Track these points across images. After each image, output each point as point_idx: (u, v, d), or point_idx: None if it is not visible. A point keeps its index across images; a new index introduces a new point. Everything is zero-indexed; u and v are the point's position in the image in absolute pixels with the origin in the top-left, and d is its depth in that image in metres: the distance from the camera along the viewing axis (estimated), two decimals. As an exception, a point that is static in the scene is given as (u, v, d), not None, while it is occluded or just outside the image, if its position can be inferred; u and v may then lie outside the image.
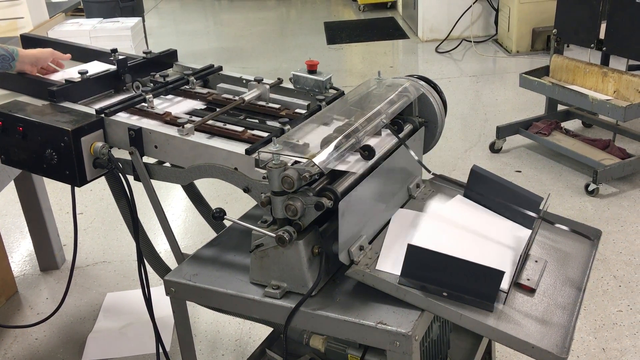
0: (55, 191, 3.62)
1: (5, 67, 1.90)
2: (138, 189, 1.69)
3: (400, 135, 1.64)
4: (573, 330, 1.30)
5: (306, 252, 1.38)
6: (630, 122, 3.84)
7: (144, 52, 2.09)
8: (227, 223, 1.87)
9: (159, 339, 1.83)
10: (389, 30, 7.52)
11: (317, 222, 1.40)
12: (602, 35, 3.58)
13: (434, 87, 1.78)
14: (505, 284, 1.34)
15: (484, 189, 1.66)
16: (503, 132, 4.04)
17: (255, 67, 6.34)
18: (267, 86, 1.91)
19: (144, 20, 5.52)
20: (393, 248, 1.46)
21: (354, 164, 1.45)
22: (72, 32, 4.52)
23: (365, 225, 1.47)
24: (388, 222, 1.57)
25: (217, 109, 1.80)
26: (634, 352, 2.36)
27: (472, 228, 1.57)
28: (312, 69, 1.88)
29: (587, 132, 4.23)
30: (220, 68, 2.08)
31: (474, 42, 6.46)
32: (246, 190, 1.48)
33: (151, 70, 2.02)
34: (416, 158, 1.63)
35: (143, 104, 1.79)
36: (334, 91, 1.88)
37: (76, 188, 1.76)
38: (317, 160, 1.33)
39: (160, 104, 1.87)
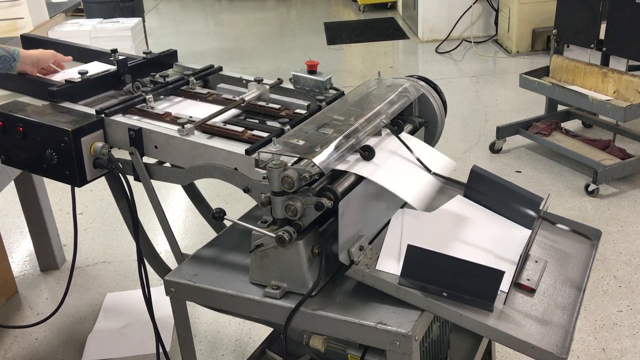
0: (55, 191, 3.62)
1: (6, 67, 1.90)
2: (138, 189, 1.69)
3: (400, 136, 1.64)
4: (573, 330, 1.30)
5: (306, 252, 1.38)
6: (630, 123, 3.84)
7: (144, 53, 2.09)
8: (227, 223, 1.87)
9: (159, 339, 1.83)
10: (389, 31, 7.52)
11: (317, 222, 1.40)
12: (602, 36, 3.58)
13: (434, 87, 1.78)
14: (505, 284, 1.34)
15: (484, 189, 1.66)
16: (503, 132, 4.04)
17: (255, 67, 6.35)
18: (267, 86, 1.91)
19: (144, 21, 5.52)
20: (393, 248, 1.46)
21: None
22: (72, 33, 4.53)
23: (365, 226, 1.47)
24: (388, 222, 1.57)
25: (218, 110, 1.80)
26: (634, 352, 2.36)
27: (472, 228, 1.57)
28: (312, 69, 1.88)
29: (587, 133, 4.23)
30: (220, 68, 2.08)
31: (474, 42, 6.46)
32: (246, 190, 1.48)
33: (151, 71, 2.03)
34: (416, 158, 1.63)
35: (143, 104, 1.79)
36: (334, 91, 1.88)
37: (76, 188, 1.76)
38: (317, 160, 1.33)
39: (161, 104, 1.87)
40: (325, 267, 1.41)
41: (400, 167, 1.53)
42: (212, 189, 3.65)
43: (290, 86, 1.92)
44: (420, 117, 1.76)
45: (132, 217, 1.73)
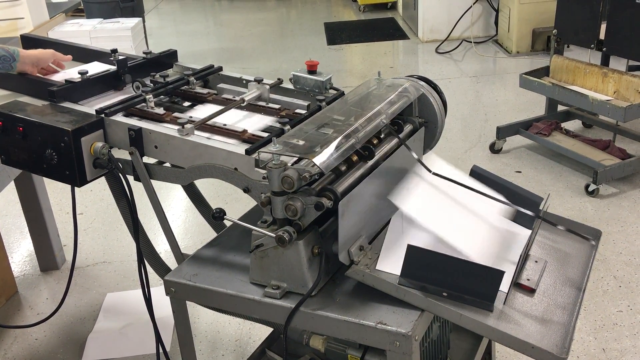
0: (55, 191, 3.62)
1: (6, 67, 1.90)
2: (138, 189, 1.69)
3: (401, 136, 1.64)
4: (573, 330, 1.30)
5: (306, 252, 1.38)
6: (631, 123, 3.84)
7: (144, 53, 2.09)
8: (227, 223, 1.87)
9: (159, 339, 1.83)
10: (389, 31, 7.52)
11: (317, 222, 1.40)
12: (602, 36, 3.58)
13: (434, 87, 1.78)
14: (505, 284, 1.34)
15: (483, 190, 1.66)
16: (503, 132, 4.04)
17: (256, 67, 6.35)
18: (267, 86, 1.91)
19: (144, 21, 5.52)
20: (393, 248, 1.46)
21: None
22: (73, 33, 4.52)
23: (365, 226, 1.47)
24: (388, 222, 1.57)
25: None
26: (634, 353, 2.36)
27: (472, 225, 1.56)
28: (312, 70, 1.88)
29: (587, 133, 4.23)
30: (220, 68, 2.08)
31: (474, 42, 6.47)
32: (246, 190, 1.48)
33: (151, 71, 2.03)
34: (416, 158, 1.63)
35: (143, 104, 1.79)
36: (334, 91, 1.88)
37: (76, 188, 1.76)
38: (317, 160, 1.33)
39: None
40: (325, 267, 1.41)
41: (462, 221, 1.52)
42: (212, 189, 3.65)
43: (290, 86, 1.92)
44: (420, 117, 1.75)
45: (132, 217, 1.73)
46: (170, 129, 1.63)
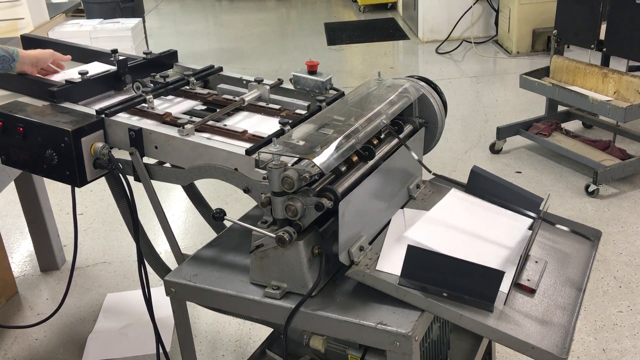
0: (55, 192, 3.62)
1: (5, 68, 1.90)
2: (138, 190, 1.69)
3: (401, 136, 1.64)
4: (573, 330, 1.30)
5: (306, 252, 1.38)
6: (631, 123, 3.84)
7: (144, 53, 2.09)
8: (227, 223, 1.87)
9: (159, 340, 1.83)
10: (389, 31, 7.52)
11: (317, 222, 1.40)
12: (602, 36, 3.58)
13: (434, 87, 1.78)
14: (505, 285, 1.34)
15: (484, 190, 1.66)
16: (503, 132, 4.04)
17: (256, 67, 6.35)
18: (268, 87, 1.91)
19: (144, 21, 5.52)
20: (393, 248, 1.46)
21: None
22: (73, 33, 4.53)
23: (365, 226, 1.47)
24: (388, 223, 1.57)
25: (218, 110, 1.80)
26: (634, 353, 2.36)
27: (472, 226, 1.56)
28: (312, 70, 1.88)
29: (588, 133, 4.23)
30: (221, 69, 2.08)
31: (474, 43, 6.47)
32: (246, 190, 1.48)
33: (151, 71, 2.03)
34: (416, 158, 1.63)
35: (143, 104, 1.79)
36: (334, 92, 1.88)
37: (76, 188, 1.76)
38: (317, 160, 1.33)
39: (161, 105, 1.87)
40: (325, 267, 1.41)
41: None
42: (212, 190, 3.65)
43: (291, 86, 1.92)
44: (420, 118, 1.75)
45: (132, 217, 1.73)
46: (170, 130, 1.63)
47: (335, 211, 1.33)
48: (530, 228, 1.57)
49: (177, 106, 1.88)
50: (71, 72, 2.03)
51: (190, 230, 3.41)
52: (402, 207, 1.65)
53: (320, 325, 1.38)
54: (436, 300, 1.31)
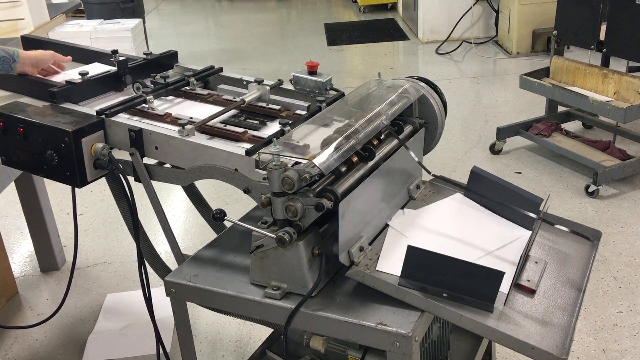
0: (55, 192, 3.62)
1: (6, 68, 1.90)
2: (138, 190, 1.69)
3: (401, 137, 1.64)
4: (573, 331, 1.30)
5: (306, 253, 1.39)
6: (631, 124, 3.84)
7: (144, 54, 2.09)
8: (227, 224, 1.87)
9: (159, 340, 1.83)
10: (389, 32, 7.52)
11: (318, 223, 1.40)
12: (602, 37, 3.58)
13: (434, 88, 1.79)
14: (505, 285, 1.34)
15: (484, 190, 1.66)
16: (503, 133, 4.04)
17: (256, 68, 6.35)
18: (268, 87, 1.91)
19: (144, 22, 5.52)
20: (393, 249, 1.46)
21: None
22: (73, 34, 4.53)
23: (365, 226, 1.47)
24: (388, 223, 1.57)
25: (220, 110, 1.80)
26: (634, 354, 2.36)
27: (472, 228, 1.57)
28: (312, 70, 1.88)
29: (588, 134, 4.23)
30: (221, 69, 2.08)
31: (474, 43, 6.47)
32: (246, 191, 1.48)
33: (152, 72, 2.03)
34: (416, 159, 1.63)
35: (143, 105, 1.79)
36: (334, 92, 1.88)
37: (76, 189, 1.76)
38: (317, 161, 1.33)
39: (161, 105, 1.87)
40: (325, 267, 1.41)
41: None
42: (212, 190, 3.65)
43: (291, 87, 1.92)
44: (420, 118, 1.76)
45: (133, 217, 1.74)
46: (170, 130, 1.63)
47: (335, 212, 1.33)
48: (530, 229, 1.57)
49: (178, 108, 1.88)
50: (71, 73, 2.03)
51: (191, 231, 3.42)
52: (402, 208, 1.65)
53: (321, 326, 1.38)
54: (436, 301, 1.31)
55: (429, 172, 1.68)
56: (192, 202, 2.11)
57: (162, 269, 1.87)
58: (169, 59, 2.13)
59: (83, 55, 2.21)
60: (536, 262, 1.49)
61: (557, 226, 1.66)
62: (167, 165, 1.69)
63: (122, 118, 1.72)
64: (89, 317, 2.76)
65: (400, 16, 8.18)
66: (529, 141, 4.08)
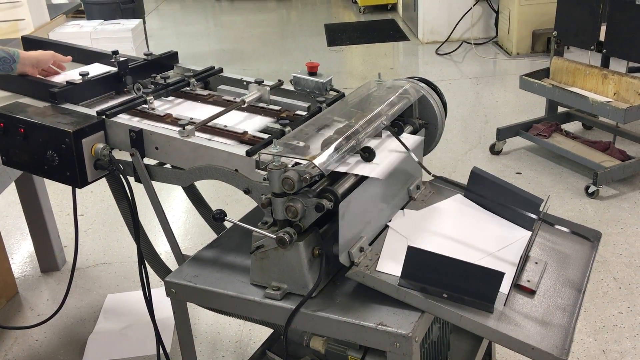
0: (56, 192, 3.62)
1: (6, 69, 1.90)
2: (139, 191, 1.69)
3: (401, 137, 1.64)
4: (573, 331, 1.30)
5: (306, 253, 1.39)
6: (631, 124, 3.84)
7: (144, 54, 2.09)
8: (227, 224, 1.87)
9: (159, 340, 1.83)
10: (389, 32, 7.53)
11: (318, 223, 1.40)
12: (602, 37, 3.58)
13: (434, 88, 1.79)
14: (505, 286, 1.34)
15: (484, 191, 1.66)
16: (503, 134, 4.05)
17: (256, 68, 6.35)
18: (268, 88, 1.91)
19: (144, 22, 5.52)
20: (393, 249, 1.46)
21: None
22: (73, 34, 4.53)
23: (365, 227, 1.47)
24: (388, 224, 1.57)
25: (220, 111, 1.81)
26: (634, 354, 2.36)
27: (472, 229, 1.57)
28: (312, 71, 1.88)
29: (587, 134, 4.23)
30: (221, 70, 2.08)
31: (474, 44, 6.47)
32: (247, 191, 1.48)
33: (152, 72, 2.03)
34: (416, 160, 1.63)
35: (144, 105, 1.79)
36: (335, 93, 1.88)
37: (77, 189, 1.76)
38: (317, 161, 1.33)
39: (161, 106, 1.87)
40: (325, 268, 1.41)
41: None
42: (212, 191, 3.65)
43: (291, 88, 1.92)
44: (420, 119, 1.76)
45: (133, 218, 1.74)
46: (171, 131, 1.63)
47: (336, 212, 1.33)
48: (530, 230, 1.57)
49: (179, 109, 1.88)
50: (72, 74, 2.03)
51: (191, 231, 3.42)
52: (402, 208, 1.65)
53: (321, 326, 1.38)
54: (436, 301, 1.31)
55: (429, 173, 1.68)
56: (192, 202, 2.11)
57: (163, 270, 1.87)
58: (169, 59, 2.13)
59: (83, 55, 2.22)
60: (536, 263, 1.50)
61: (557, 227, 1.66)
62: (168, 165, 1.69)
63: (123, 119, 1.72)
64: (89, 318, 2.76)
65: (400, 17, 8.19)
66: (529, 142, 4.08)
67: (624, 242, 3.05)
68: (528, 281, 1.42)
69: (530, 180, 3.74)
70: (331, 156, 1.38)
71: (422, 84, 1.78)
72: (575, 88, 3.70)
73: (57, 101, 1.77)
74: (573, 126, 4.28)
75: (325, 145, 1.41)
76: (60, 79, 2.00)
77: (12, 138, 1.69)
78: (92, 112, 1.72)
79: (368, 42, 7.17)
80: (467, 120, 4.69)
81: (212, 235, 1.87)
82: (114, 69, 1.97)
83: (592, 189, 3.45)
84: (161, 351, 1.85)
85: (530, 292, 1.40)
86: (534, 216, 1.58)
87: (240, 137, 1.63)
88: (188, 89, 1.97)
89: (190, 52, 7.13)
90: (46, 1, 4.42)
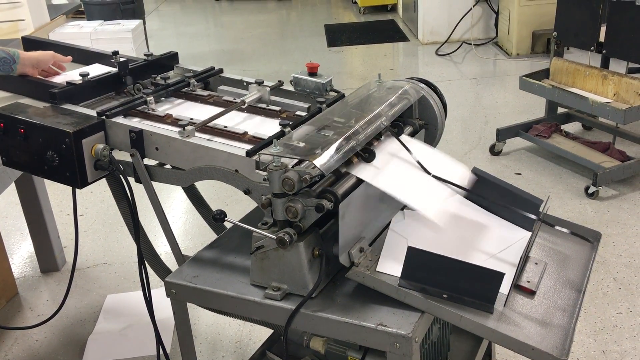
0: (55, 193, 3.62)
1: (6, 69, 1.90)
2: (139, 191, 1.69)
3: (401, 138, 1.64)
4: (573, 332, 1.30)
5: (307, 253, 1.39)
6: (630, 125, 3.84)
7: (144, 55, 2.09)
8: (227, 225, 1.87)
9: (159, 341, 1.83)
10: (389, 33, 7.53)
11: (318, 224, 1.40)
12: (602, 38, 3.58)
13: (434, 89, 1.79)
14: (505, 286, 1.34)
15: (483, 191, 1.66)
16: (503, 134, 4.05)
17: (256, 69, 6.35)
18: (268, 88, 1.91)
19: (144, 23, 5.52)
20: (393, 250, 1.46)
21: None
22: (73, 35, 4.53)
23: (365, 227, 1.47)
24: (388, 224, 1.57)
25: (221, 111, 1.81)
26: (634, 355, 2.36)
27: (472, 229, 1.57)
28: (312, 72, 1.88)
29: (587, 135, 4.23)
30: (221, 70, 2.09)
31: (474, 44, 6.47)
32: (247, 192, 1.48)
33: (152, 73, 2.03)
34: (416, 160, 1.63)
35: (144, 106, 1.79)
36: (335, 93, 1.88)
37: (77, 190, 1.76)
38: (317, 162, 1.33)
39: (162, 107, 1.87)
40: (325, 268, 1.41)
41: (402, 170, 1.53)
42: (212, 191, 3.65)
43: (291, 88, 1.92)
44: (420, 119, 1.76)
45: (133, 218, 1.74)
46: (171, 131, 1.63)
47: (336, 212, 1.33)
48: (530, 230, 1.57)
49: (179, 109, 1.89)
50: (72, 74, 2.04)
51: (191, 232, 3.42)
52: (402, 209, 1.65)
53: (321, 327, 1.38)
54: (436, 302, 1.31)
55: (429, 173, 1.67)
56: (192, 203, 2.11)
57: (163, 270, 1.87)
58: (170, 60, 2.14)
59: (83, 56, 2.22)
60: (536, 264, 1.50)
61: (557, 227, 1.66)
62: (168, 166, 1.69)
63: (123, 119, 1.72)
64: (89, 318, 2.76)
65: (400, 17, 8.19)
66: (529, 142, 4.08)
67: (624, 242, 3.05)
68: (528, 282, 1.42)
69: (530, 180, 3.74)
70: (331, 157, 1.38)
71: (422, 85, 1.78)
72: (575, 89, 3.70)
73: (57, 102, 1.77)
74: (573, 127, 4.28)
75: (325, 145, 1.41)
76: (60, 79, 2.00)
77: (12, 138, 1.69)
78: (92, 112, 1.72)
79: (368, 42, 7.17)
80: (467, 120, 4.69)
81: (212, 236, 1.87)
82: (114, 70, 1.97)
83: (592, 189, 3.45)
84: (161, 351, 1.85)
85: (530, 293, 1.40)
86: (533, 217, 1.58)
87: (240, 138, 1.63)
88: (188, 89, 1.97)
89: (190, 52, 7.13)
90: (46, 2, 4.42)
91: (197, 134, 1.62)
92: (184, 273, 1.57)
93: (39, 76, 2.00)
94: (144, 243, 1.82)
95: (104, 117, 1.69)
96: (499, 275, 1.29)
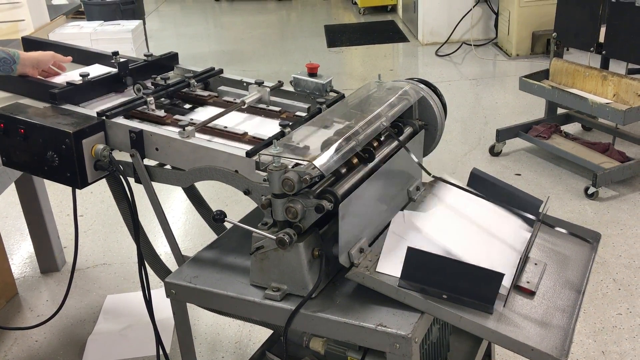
0: (55, 193, 3.62)
1: (6, 70, 1.91)
2: (139, 191, 1.70)
3: (400, 138, 1.65)
4: (572, 333, 1.31)
5: (306, 254, 1.39)
6: (630, 126, 3.85)
7: (144, 55, 2.09)
8: (227, 225, 1.88)
9: (159, 341, 1.83)
10: (389, 34, 7.53)
11: (318, 224, 1.40)
12: (601, 39, 3.59)
13: (434, 90, 1.79)
14: (504, 287, 1.34)
15: (483, 192, 1.66)
16: (503, 135, 4.05)
17: (256, 69, 6.35)
18: (268, 89, 1.91)
19: (144, 23, 5.52)
20: (393, 250, 1.46)
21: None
22: (73, 35, 4.54)
23: (365, 228, 1.47)
24: (388, 225, 1.58)
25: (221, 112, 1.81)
26: (634, 355, 2.36)
27: (472, 229, 1.57)
28: (312, 72, 1.88)
29: (587, 136, 4.23)
30: (221, 71, 2.09)
31: (474, 45, 6.47)
32: (247, 192, 1.48)
33: (152, 73, 2.03)
34: (416, 161, 1.63)
35: (144, 106, 1.79)
36: (334, 94, 1.88)
37: (77, 190, 1.76)
38: (317, 162, 1.33)
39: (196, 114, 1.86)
40: (325, 269, 1.41)
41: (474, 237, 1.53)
42: (212, 191, 3.65)
43: (291, 89, 1.92)
44: (420, 120, 1.76)
45: (133, 219, 1.74)
46: (171, 132, 1.63)
47: (336, 213, 1.33)
48: (530, 227, 1.58)
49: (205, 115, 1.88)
50: (72, 74, 2.04)
51: (191, 232, 3.42)
52: (401, 209, 1.65)
53: (320, 327, 1.38)
54: (436, 302, 1.31)
55: (429, 174, 1.68)
56: (192, 203, 2.11)
57: (162, 270, 1.87)
58: (170, 60, 2.14)
59: (83, 56, 2.22)
60: (536, 264, 1.50)
61: (557, 228, 1.66)
62: (168, 166, 1.69)
63: (123, 119, 1.72)
64: (89, 319, 2.76)
65: (400, 18, 8.19)
66: (529, 143, 4.08)
67: (624, 243, 3.05)
68: (527, 282, 1.42)
69: (529, 181, 3.74)
70: (331, 157, 1.38)
71: (422, 85, 1.78)
72: (574, 89, 3.71)
73: (57, 102, 1.77)
74: (572, 127, 4.29)
75: (325, 146, 1.42)
76: (60, 79, 2.00)
77: (12, 139, 1.69)
78: (93, 113, 1.72)
79: (368, 43, 7.17)
80: (466, 121, 4.69)
81: (212, 236, 1.87)
82: (114, 70, 1.97)
83: (591, 190, 3.45)
84: (161, 352, 1.85)
85: (530, 293, 1.40)
86: (533, 217, 1.58)
87: (240, 138, 1.63)
88: (188, 90, 1.97)
89: (190, 53, 7.13)
90: (46, 2, 4.42)
91: (197, 134, 1.63)
92: (183, 273, 1.57)
93: (39, 76, 2.00)
94: (144, 243, 1.82)
95: (104, 118, 1.69)
96: (499, 276, 1.29)
